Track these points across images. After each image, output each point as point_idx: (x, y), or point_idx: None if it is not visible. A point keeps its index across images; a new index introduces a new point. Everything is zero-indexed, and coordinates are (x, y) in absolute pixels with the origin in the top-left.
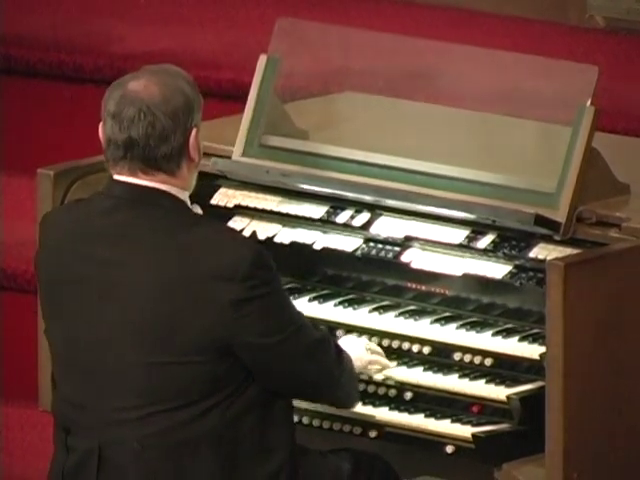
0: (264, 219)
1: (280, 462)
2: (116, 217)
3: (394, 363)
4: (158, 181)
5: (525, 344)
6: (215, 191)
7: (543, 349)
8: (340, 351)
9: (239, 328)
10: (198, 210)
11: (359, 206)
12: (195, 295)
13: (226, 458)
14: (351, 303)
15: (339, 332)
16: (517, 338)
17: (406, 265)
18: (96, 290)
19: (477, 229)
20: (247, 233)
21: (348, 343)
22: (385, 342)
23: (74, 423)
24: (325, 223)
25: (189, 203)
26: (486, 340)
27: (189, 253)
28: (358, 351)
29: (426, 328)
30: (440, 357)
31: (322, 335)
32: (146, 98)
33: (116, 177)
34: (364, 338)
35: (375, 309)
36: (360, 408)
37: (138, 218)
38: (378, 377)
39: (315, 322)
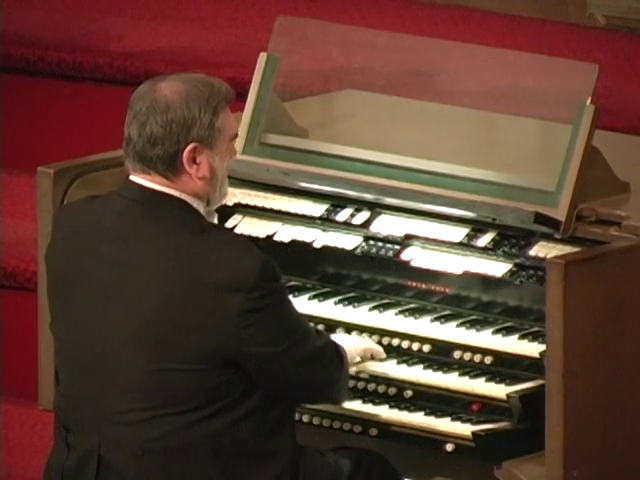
0: (264, 217)
1: (280, 467)
2: (126, 219)
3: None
4: (159, 183)
5: (525, 342)
6: None
7: (543, 347)
8: (341, 354)
9: (243, 338)
10: (214, 220)
11: (359, 204)
12: (200, 304)
13: (226, 463)
14: (351, 301)
15: (339, 330)
16: (517, 336)
17: (406, 263)
18: (102, 290)
19: (477, 227)
20: (246, 232)
21: (343, 336)
22: (385, 340)
23: (74, 421)
24: (325, 221)
25: (202, 211)
26: (486, 338)
27: (196, 261)
28: (353, 340)
29: (426, 326)
30: (440, 355)
31: (324, 341)
32: (149, 99)
33: (131, 177)
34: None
35: (375, 307)
36: (360, 406)
37: (148, 221)
38: (373, 369)
39: (315, 320)
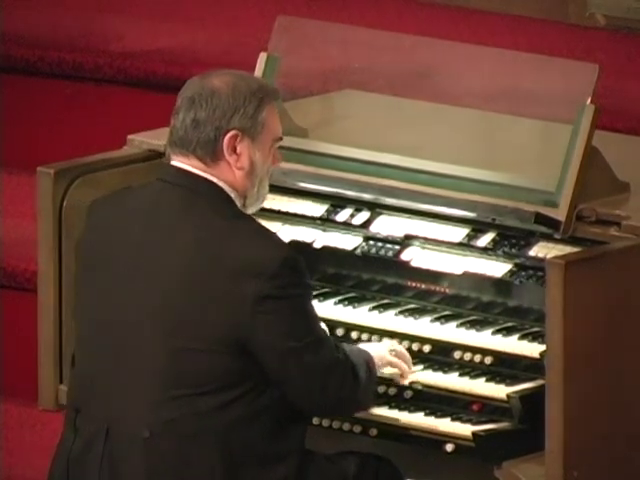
0: (264, 217)
1: (287, 471)
2: (160, 199)
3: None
4: (196, 167)
5: (525, 342)
6: None
7: (543, 347)
8: (356, 374)
9: (257, 324)
10: None
11: (359, 204)
12: (220, 286)
13: (232, 461)
14: (351, 301)
15: (339, 331)
16: (517, 336)
17: (406, 263)
18: (128, 269)
19: (477, 227)
20: None
21: (372, 344)
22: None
23: (85, 403)
24: (325, 221)
25: (238, 203)
26: (486, 338)
27: (221, 245)
28: (380, 350)
29: (426, 326)
30: (440, 355)
31: (343, 357)
32: (197, 86)
33: (171, 162)
34: (389, 340)
35: (375, 307)
36: None
37: (180, 203)
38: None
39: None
